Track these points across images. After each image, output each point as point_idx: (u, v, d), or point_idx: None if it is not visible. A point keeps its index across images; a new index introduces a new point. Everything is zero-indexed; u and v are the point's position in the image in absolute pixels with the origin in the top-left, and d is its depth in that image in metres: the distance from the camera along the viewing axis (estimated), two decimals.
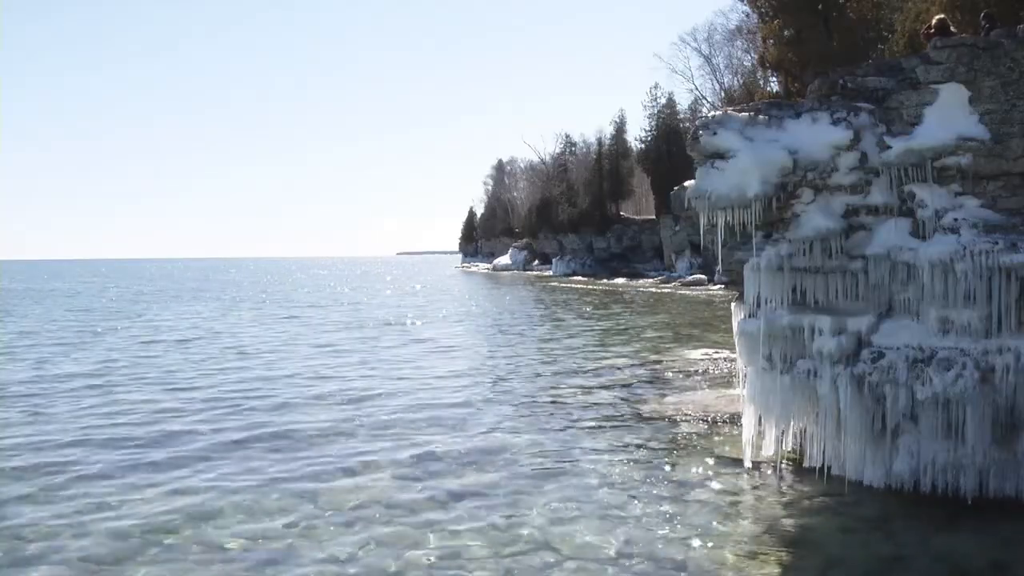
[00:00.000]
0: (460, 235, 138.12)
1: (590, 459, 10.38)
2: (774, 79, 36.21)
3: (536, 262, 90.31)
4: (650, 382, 16.02)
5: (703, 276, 52.45)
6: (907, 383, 8.19)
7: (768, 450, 9.67)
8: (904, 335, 8.50)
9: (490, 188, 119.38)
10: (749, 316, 9.36)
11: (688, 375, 16.57)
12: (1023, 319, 8.07)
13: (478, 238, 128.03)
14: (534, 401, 14.42)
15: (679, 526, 7.88)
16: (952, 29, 9.54)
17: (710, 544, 7.39)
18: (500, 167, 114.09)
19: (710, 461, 10.03)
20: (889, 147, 8.75)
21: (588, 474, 9.71)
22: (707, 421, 12.15)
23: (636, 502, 8.64)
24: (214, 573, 6.96)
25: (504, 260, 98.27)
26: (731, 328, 9.98)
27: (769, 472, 9.51)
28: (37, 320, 34.36)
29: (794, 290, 9.20)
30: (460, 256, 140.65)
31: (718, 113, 9.51)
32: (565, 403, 14.13)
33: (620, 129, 78.15)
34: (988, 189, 8.58)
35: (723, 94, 47.42)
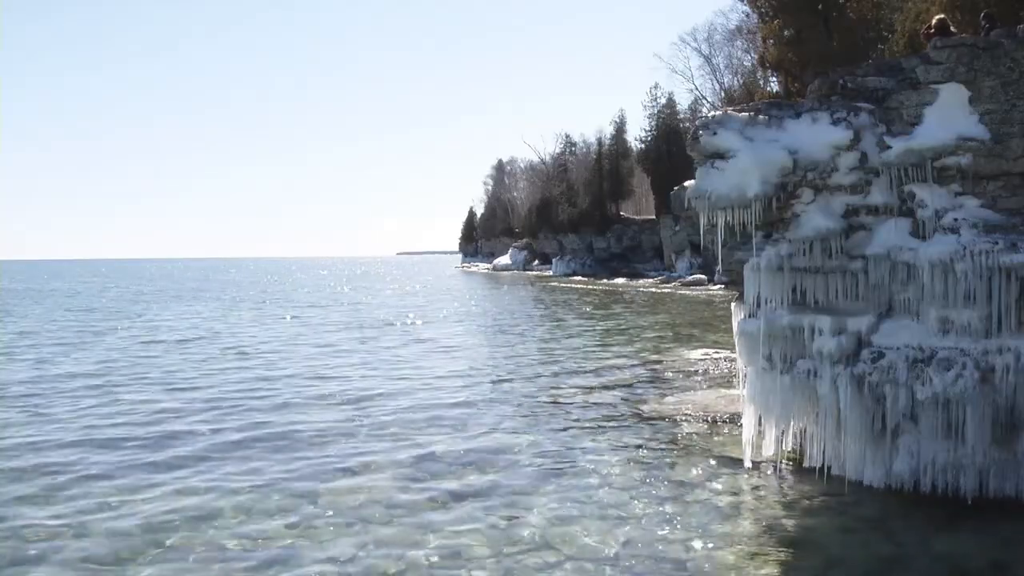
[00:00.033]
0: (460, 235, 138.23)
1: (590, 459, 10.38)
2: (774, 79, 36.23)
3: (536, 262, 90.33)
4: (650, 382, 16.03)
5: (703, 276, 52.46)
6: (907, 383, 8.19)
7: (768, 450, 9.68)
8: (904, 335, 8.50)
9: (490, 188, 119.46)
10: (749, 316, 9.36)
11: (688, 375, 16.58)
12: (1023, 319, 8.07)
13: (478, 238, 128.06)
14: (534, 401, 14.42)
15: (679, 526, 7.88)
16: (952, 29, 9.54)
17: (710, 544, 7.40)
18: (500, 167, 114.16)
19: (710, 461, 10.04)
20: (889, 147, 8.75)
21: (588, 474, 9.71)
22: (707, 421, 12.15)
23: (636, 502, 8.64)
24: (214, 573, 6.96)
25: (504, 260, 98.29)
26: (731, 328, 9.98)
27: (769, 472, 9.51)
28: (37, 320, 34.36)
29: (794, 290, 9.20)
30: (460, 256, 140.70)
31: (718, 113, 9.51)
32: (565, 403, 14.13)
33: (620, 129, 78.22)
34: (988, 189, 8.58)
35: (723, 94, 47.43)
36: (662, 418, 12.53)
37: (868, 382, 8.43)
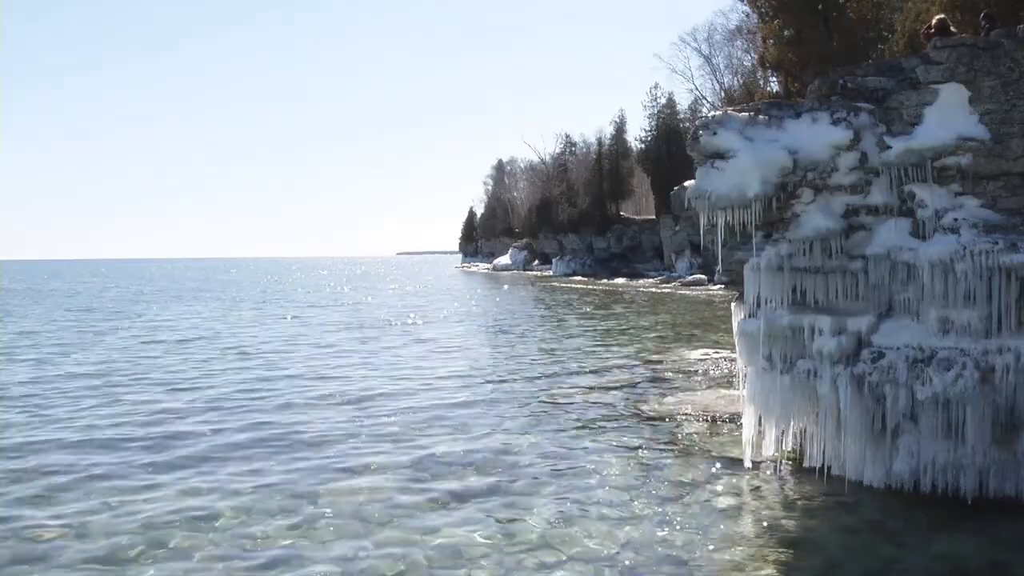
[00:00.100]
0: (460, 235, 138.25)
1: (590, 459, 10.38)
2: (774, 79, 36.25)
3: (536, 262, 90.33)
4: (650, 382, 16.03)
5: (703, 276, 52.47)
6: (907, 383, 8.20)
7: (768, 450, 9.68)
8: (904, 335, 8.51)
9: (490, 188, 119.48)
10: (749, 316, 9.37)
11: (688, 375, 16.59)
12: (1023, 319, 8.07)
13: (478, 238, 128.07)
14: (535, 401, 14.43)
15: (679, 526, 7.88)
16: (952, 29, 9.54)
17: (710, 544, 7.40)
18: (500, 167, 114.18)
19: (710, 461, 10.04)
20: (889, 147, 8.75)
21: (588, 474, 9.71)
22: (707, 421, 12.16)
23: (636, 502, 8.64)
24: (216, 574, 6.97)
25: (504, 260, 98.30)
26: (731, 328, 9.99)
27: (769, 472, 9.51)
28: (37, 320, 34.36)
29: (794, 290, 9.20)
30: (460, 256, 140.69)
31: (718, 113, 9.52)
32: (566, 403, 14.14)
33: (620, 129, 78.24)
34: (988, 189, 8.58)
35: (723, 94, 47.46)
36: (662, 418, 12.54)
37: (868, 382, 8.44)
